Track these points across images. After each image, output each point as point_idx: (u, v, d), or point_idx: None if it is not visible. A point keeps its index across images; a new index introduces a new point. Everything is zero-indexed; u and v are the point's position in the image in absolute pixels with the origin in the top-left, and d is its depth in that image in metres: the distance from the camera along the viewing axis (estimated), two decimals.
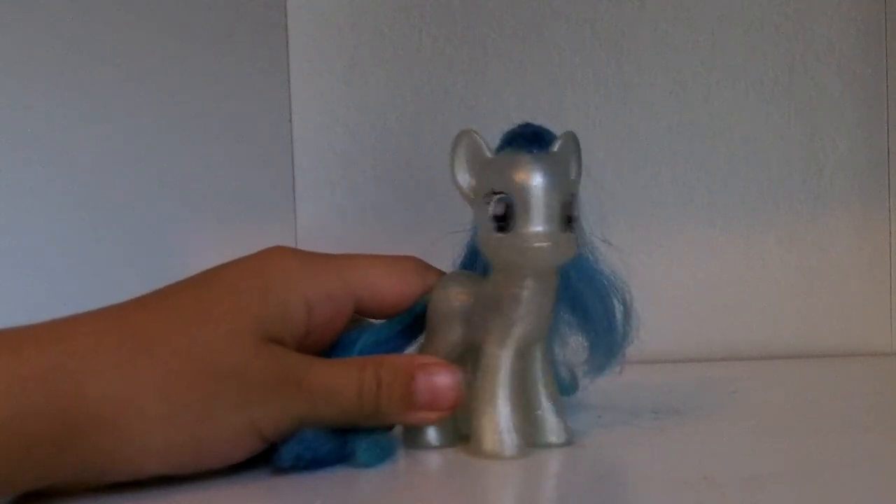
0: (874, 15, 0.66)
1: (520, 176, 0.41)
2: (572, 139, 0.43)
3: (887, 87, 0.66)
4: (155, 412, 0.38)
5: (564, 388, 0.48)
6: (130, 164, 0.64)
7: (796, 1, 0.66)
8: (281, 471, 0.41)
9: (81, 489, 0.39)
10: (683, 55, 0.66)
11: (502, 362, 0.42)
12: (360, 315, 0.45)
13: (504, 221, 0.41)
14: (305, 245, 0.65)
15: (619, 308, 0.46)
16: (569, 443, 0.43)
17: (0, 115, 0.62)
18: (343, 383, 0.41)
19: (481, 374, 0.42)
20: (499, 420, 0.42)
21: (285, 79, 0.65)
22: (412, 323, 0.45)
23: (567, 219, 0.41)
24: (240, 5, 0.65)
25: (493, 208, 0.41)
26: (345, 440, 0.41)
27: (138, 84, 0.64)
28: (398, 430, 0.45)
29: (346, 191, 0.66)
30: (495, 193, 0.41)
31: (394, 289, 0.44)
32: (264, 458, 0.41)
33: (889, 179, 0.67)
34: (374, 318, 0.45)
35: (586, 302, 0.45)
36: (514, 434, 0.41)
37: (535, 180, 0.40)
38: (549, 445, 0.43)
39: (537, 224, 0.40)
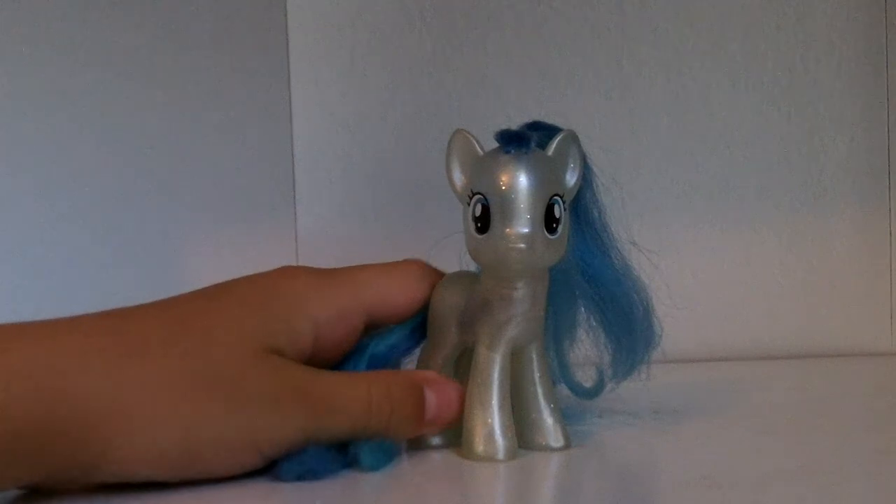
0: (874, 15, 0.66)
1: (496, 176, 0.40)
2: (570, 139, 0.42)
3: (887, 87, 0.66)
4: (142, 413, 0.37)
5: (583, 392, 0.48)
6: (130, 165, 0.64)
7: (796, 1, 0.66)
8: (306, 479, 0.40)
9: (74, 488, 0.38)
10: (683, 55, 0.66)
11: (494, 364, 0.41)
12: (369, 327, 0.44)
13: (482, 222, 0.40)
14: (305, 244, 0.65)
15: (640, 312, 0.45)
16: (566, 447, 0.43)
17: None
18: (351, 397, 0.40)
19: (473, 377, 0.42)
20: (490, 423, 0.41)
21: (285, 78, 0.65)
22: (421, 324, 0.45)
23: (550, 220, 0.40)
24: (240, 5, 0.64)
25: (472, 208, 0.40)
26: (348, 450, 0.41)
27: (138, 84, 0.64)
28: None
29: (346, 191, 0.66)
30: (475, 194, 0.40)
31: (402, 296, 0.44)
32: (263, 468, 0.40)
33: (889, 179, 0.67)
34: (385, 325, 0.45)
35: (606, 305, 0.45)
36: (505, 437, 0.41)
37: (511, 181, 0.40)
38: (546, 449, 0.43)
39: (513, 225, 0.39)
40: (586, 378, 0.48)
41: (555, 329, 0.45)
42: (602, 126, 0.66)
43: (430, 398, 0.42)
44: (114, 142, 0.64)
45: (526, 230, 0.39)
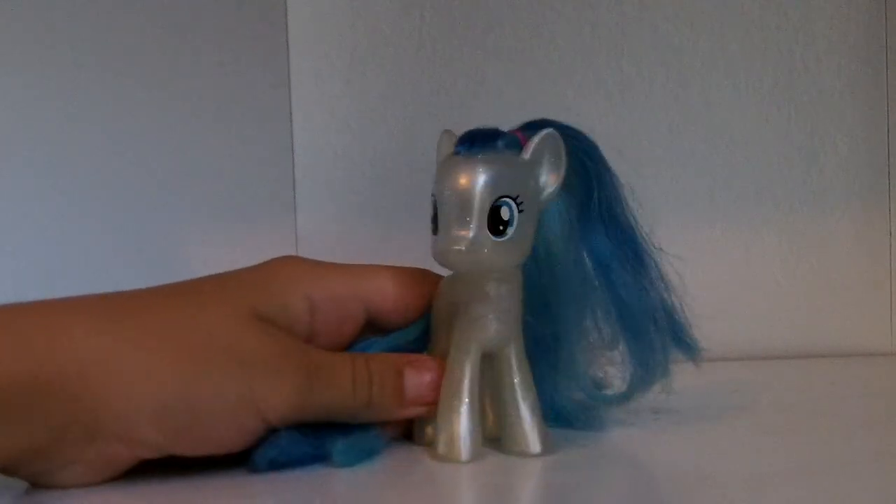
0: (874, 15, 0.66)
1: (441, 178, 0.40)
2: (549, 139, 0.41)
3: (887, 87, 0.66)
4: (137, 370, 0.37)
5: (600, 399, 0.46)
6: (130, 165, 0.64)
7: (796, 1, 0.66)
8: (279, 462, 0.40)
9: (76, 482, 0.38)
10: (683, 55, 0.66)
11: (463, 366, 0.41)
12: (373, 325, 0.44)
13: (434, 223, 0.40)
14: (306, 244, 0.65)
15: (661, 321, 0.44)
16: (545, 452, 0.42)
17: (0, 115, 0.62)
18: (339, 369, 0.41)
19: (444, 378, 0.42)
20: (455, 424, 0.41)
21: (285, 78, 0.65)
22: (427, 331, 0.45)
23: (497, 223, 0.39)
24: (240, 5, 0.64)
25: (429, 210, 0.41)
26: (322, 442, 0.41)
27: (138, 84, 0.64)
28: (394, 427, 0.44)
29: (346, 190, 0.66)
30: (432, 195, 0.41)
31: (404, 296, 0.44)
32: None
33: (889, 179, 0.67)
34: (387, 326, 0.45)
35: (623, 314, 0.44)
36: (470, 438, 0.41)
37: (453, 183, 0.39)
38: (523, 455, 0.42)
39: (453, 227, 0.39)
40: (610, 385, 0.47)
41: (568, 336, 0.44)
42: (602, 126, 0.66)
43: (411, 379, 0.42)
44: (114, 142, 0.64)
45: (464, 233, 0.39)
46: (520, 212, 0.40)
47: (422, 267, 0.46)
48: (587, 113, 0.66)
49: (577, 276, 0.43)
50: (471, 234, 0.39)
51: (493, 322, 0.41)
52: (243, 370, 0.38)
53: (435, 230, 0.40)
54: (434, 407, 0.42)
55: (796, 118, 0.66)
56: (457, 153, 0.40)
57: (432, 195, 0.41)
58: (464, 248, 0.39)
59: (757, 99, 0.66)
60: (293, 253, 0.64)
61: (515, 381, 0.42)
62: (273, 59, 0.65)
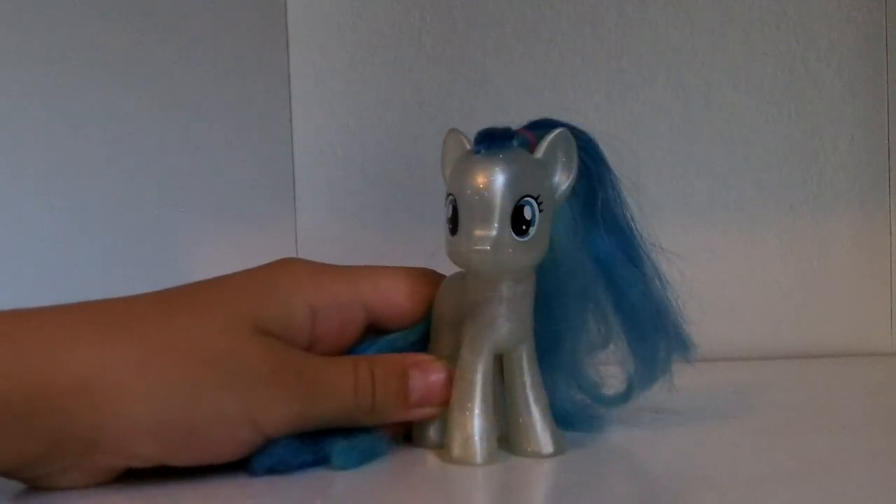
0: (874, 15, 0.66)
1: (463, 177, 0.40)
2: (561, 139, 0.41)
3: (887, 87, 0.66)
4: (137, 386, 0.37)
5: (603, 400, 0.46)
6: (130, 165, 0.64)
7: (796, 1, 0.66)
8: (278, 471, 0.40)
9: (76, 482, 0.38)
10: (683, 55, 0.66)
11: (476, 367, 0.41)
12: (374, 327, 0.44)
13: (453, 223, 0.40)
14: (306, 244, 0.65)
15: (663, 320, 0.44)
16: (557, 453, 0.42)
17: (0, 116, 0.62)
18: (339, 378, 0.41)
19: (456, 380, 0.41)
20: (469, 427, 0.41)
21: (285, 79, 0.65)
22: (427, 333, 0.44)
23: (520, 223, 0.39)
24: (240, 6, 0.64)
25: (446, 210, 0.40)
26: (321, 447, 0.41)
27: (138, 84, 0.64)
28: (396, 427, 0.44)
29: (345, 190, 0.66)
30: (448, 194, 0.40)
31: (406, 298, 0.44)
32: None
33: (889, 179, 0.67)
34: (388, 328, 0.44)
35: (626, 312, 0.44)
36: (484, 440, 0.41)
37: (476, 182, 0.39)
38: (535, 455, 0.42)
39: (476, 227, 0.39)
40: (609, 385, 0.47)
41: (569, 336, 0.43)
42: (602, 126, 0.66)
43: (416, 381, 0.42)
44: (114, 142, 0.64)
45: (488, 232, 0.39)
46: (540, 211, 0.40)
47: (421, 267, 0.45)
48: (587, 113, 0.66)
49: (580, 276, 0.42)
50: (494, 233, 0.39)
51: (506, 323, 0.41)
52: (241, 384, 0.38)
53: (453, 230, 0.40)
54: (440, 409, 0.42)
55: (796, 118, 0.66)
56: (477, 152, 0.40)
57: (450, 194, 0.40)
58: (489, 248, 0.39)
59: (757, 99, 0.66)
60: (293, 253, 0.64)
61: (527, 381, 0.42)
62: (273, 59, 0.65)
